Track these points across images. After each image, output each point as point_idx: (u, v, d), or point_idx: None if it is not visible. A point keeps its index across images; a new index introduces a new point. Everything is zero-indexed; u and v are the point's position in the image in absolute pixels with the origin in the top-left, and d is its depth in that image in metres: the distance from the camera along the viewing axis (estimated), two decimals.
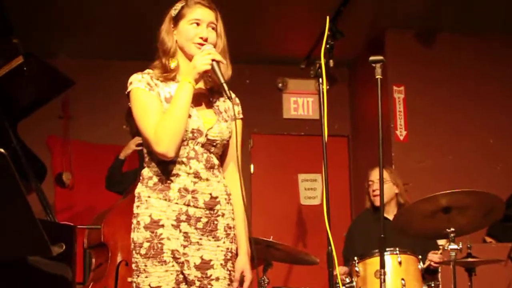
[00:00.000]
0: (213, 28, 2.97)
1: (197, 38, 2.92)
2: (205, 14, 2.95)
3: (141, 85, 2.89)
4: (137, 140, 5.46)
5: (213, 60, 2.84)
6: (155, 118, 2.83)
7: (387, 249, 4.27)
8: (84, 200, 7.14)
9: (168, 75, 2.95)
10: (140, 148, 5.43)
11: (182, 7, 2.98)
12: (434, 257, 4.72)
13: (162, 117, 2.82)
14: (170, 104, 2.85)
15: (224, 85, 2.85)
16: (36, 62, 4.50)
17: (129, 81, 2.93)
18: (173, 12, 3.00)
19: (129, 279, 4.74)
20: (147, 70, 2.98)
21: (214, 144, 2.94)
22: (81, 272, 5.43)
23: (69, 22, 6.68)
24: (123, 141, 5.73)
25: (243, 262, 3.02)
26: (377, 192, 5.06)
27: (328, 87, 3.41)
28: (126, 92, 2.94)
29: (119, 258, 4.87)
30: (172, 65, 2.96)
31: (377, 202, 5.07)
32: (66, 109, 7.28)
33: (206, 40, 2.92)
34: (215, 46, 2.96)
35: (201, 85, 3.03)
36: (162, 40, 2.99)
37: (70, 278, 3.92)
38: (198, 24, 2.94)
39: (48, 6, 6.30)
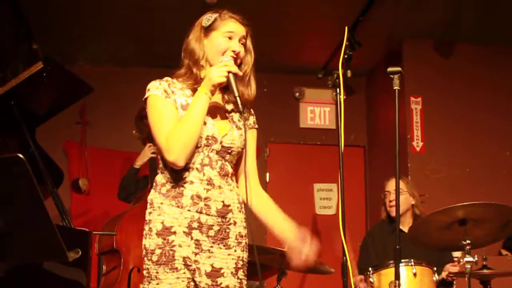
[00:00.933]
0: (243, 44, 2.99)
1: (229, 51, 2.93)
2: (238, 29, 2.98)
3: (158, 92, 2.89)
4: (152, 147, 5.46)
5: (229, 72, 2.85)
6: (168, 125, 2.83)
7: (402, 260, 4.24)
8: (99, 206, 7.16)
9: (198, 85, 2.91)
10: (155, 155, 5.44)
11: (215, 19, 2.98)
12: (453, 269, 4.69)
13: (175, 126, 2.82)
14: (184, 114, 2.86)
15: (238, 98, 2.84)
16: (55, 67, 4.52)
17: (147, 87, 2.94)
18: (205, 22, 2.99)
19: (141, 286, 4.74)
20: (166, 78, 2.98)
21: (229, 151, 2.95)
22: (96, 277, 5.44)
23: (87, 29, 6.72)
24: (139, 148, 5.75)
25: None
26: (394, 203, 5.03)
27: (345, 97, 3.41)
28: (144, 99, 2.95)
29: (131, 265, 4.87)
30: (203, 74, 2.96)
31: (394, 213, 5.04)
32: (83, 115, 7.31)
33: (238, 54, 2.94)
34: (242, 62, 2.98)
35: (218, 95, 3.04)
36: (192, 49, 2.99)
37: (85, 283, 3.93)
38: (230, 37, 2.95)
39: (67, 13, 6.34)
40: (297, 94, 8.03)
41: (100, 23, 6.60)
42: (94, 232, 4.70)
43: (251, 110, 3.16)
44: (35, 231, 2.35)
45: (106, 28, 6.72)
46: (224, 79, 2.83)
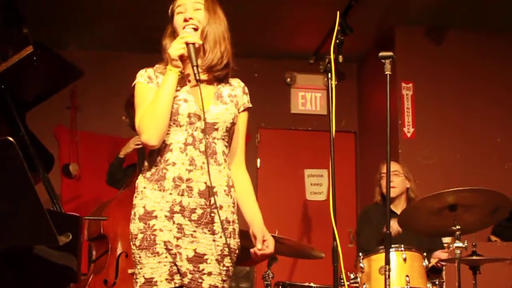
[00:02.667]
0: (198, 9, 2.96)
1: (183, 23, 2.94)
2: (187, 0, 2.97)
3: (141, 79, 2.95)
4: (137, 139, 5.52)
5: (186, 43, 2.84)
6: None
7: (392, 245, 4.25)
8: (90, 191, 7.16)
9: None
10: (139, 146, 5.49)
11: (172, 6, 3.02)
12: (443, 255, 4.71)
13: (146, 107, 2.85)
14: (155, 94, 2.88)
15: (194, 68, 2.83)
16: (46, 51, 4.51)
17: (136, 76, 2.98)
18: (169, 13, 3.04)
19: (129, 271, 4.76)
20: (156, 66, 3.01)
21: (216, 127, 2.93)
22: (86, 263, 5.45)
23: (79, 13, 6.69)
24: (130, 133, 5.74)
25: (261, 225, 3.02)
26: (391, 184, 5.03)
27: (336, 82, 3.41)
28: (132, 87, 3.00)
29: (119, 250, 4.88)
30: None
31: (392, 194, 5.04)
32: (74, 100, 7.29)
33: (190, 18, 2.92)
34: (207, 24, 2.95)
35: (204, 74, 3.02)
36: (163, 44, 3.02)
37: (76, 268, 3.93)
38: (183, 11, 2.95)
39: None
40: (288, 79, 8.02)
41: (92, 8, 6.57)
42: (85, 217, 4.71)
43: (245, 88, 3.15)
44: (25, 215, 2.35)
45: (97, 13, 6.69)
46: (182, 51, 2.83)
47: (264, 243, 2.98)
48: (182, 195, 2.83)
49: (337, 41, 3.67)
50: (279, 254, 4.63)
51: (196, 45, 2.87)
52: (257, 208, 3.08)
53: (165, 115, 2.82)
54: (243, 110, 3.12)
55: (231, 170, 3.04)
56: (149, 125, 2.80)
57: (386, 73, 3.34)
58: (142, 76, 2.95)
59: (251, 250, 3.01)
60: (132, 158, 5.77)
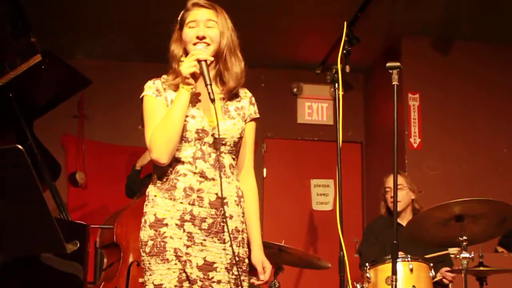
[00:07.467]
0: (211, 26, 2.95)
1: (194, 39, 2.93)
2: (201, 14, 2.96)
3: (149, 92, 2.94)
4: None
5: (198, 60, 2.84)
6: (155, 124, 2.87)
7: (399, 256, 4.24)
8: (96, 200, 7.17)
9: (179, 79, 2.93)
10: None
11: (183, 13, 3.01)
12: (448, 275, 4.69)
13: (158, 124, 2.85)
14: (166, 112, 2.88)
15: (209, 87, 2.82)
16: (54, 60, 4.53)
17: (144, 87, 2.98)
18: (179, 20, 3.04)
19: (140, 280, 4.76)
20: (163, 76, 3.01)
21: (224, 142, 2.94)
22: (92, 271, 5.45)
23: (86, 23, 6.72)
24: (136, 142, 5.76)
25: (260, 255, 3.05)
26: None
27: (343, 92, 3.41)
28: (140, 98, 2.99)
29: (131, 259, 4.88)
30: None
31: (397, 207, 5.04)
32: (81, 109, 7.32)
33: (203, 37, 2.92)
34: (219, 43, 2.96)
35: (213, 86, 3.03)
36: (171, 50, 3.02)
37: (82, 277, 3.93)
38: (194, 25, 2.94)
39: (66, 7, 6.34)
40: (295, 89, 8.03)
41: (99, 17, 6.60)
42: (91, 226, 4.72)
43: (252, 98, 3.15)
44: (33, 223, 2.35)
45: (104, 22, 6.72)
46: (195, 69, 2.83)
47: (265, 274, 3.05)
48: (193, 204, 2.85)
49: (344, 51, 3.69)
50: (286, 264, 4.63)
51: (208, 62, 2.88)
52: (257, 228, 3.11)
53: (177, 134, 2.83)
54: (250, 120, 3.12)
55: (240, 180, 3.06)
56: (160, 144, 2.81)
57: (393, 83, 3.34)
58: (151, 89, 2.94)
59: (251, 280, 3.05)
60: (149, 168, 5.78)
